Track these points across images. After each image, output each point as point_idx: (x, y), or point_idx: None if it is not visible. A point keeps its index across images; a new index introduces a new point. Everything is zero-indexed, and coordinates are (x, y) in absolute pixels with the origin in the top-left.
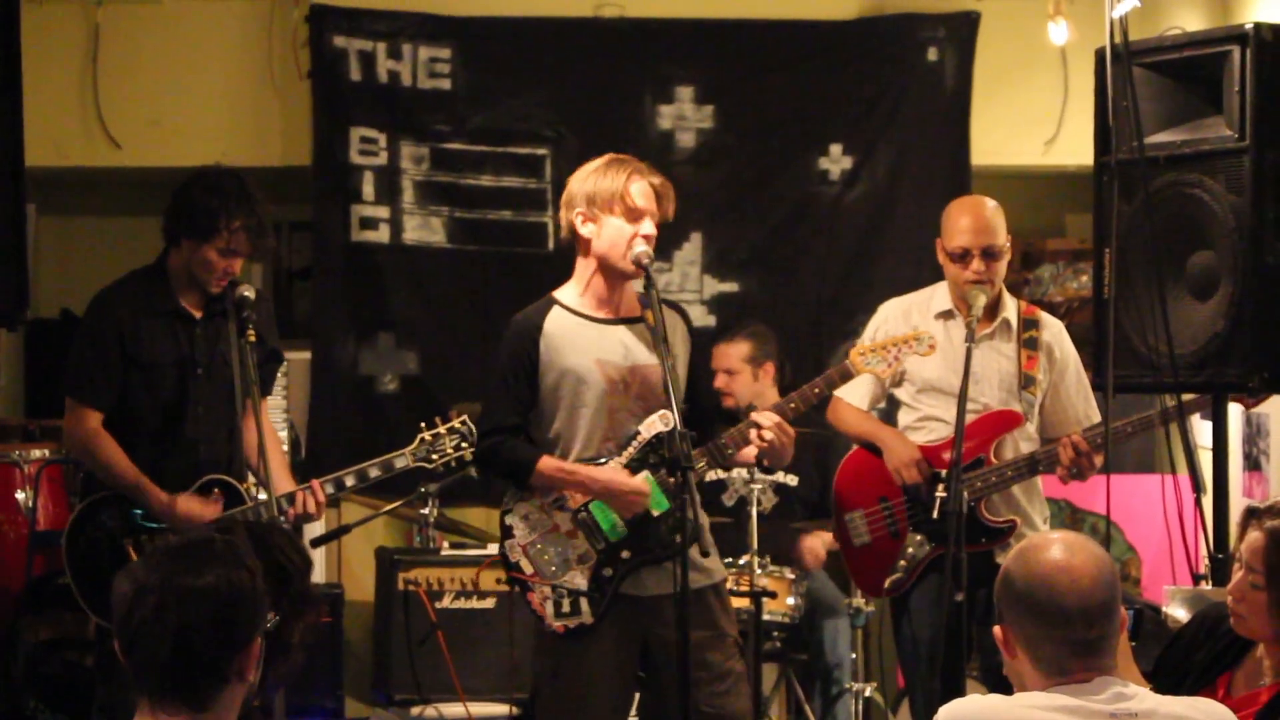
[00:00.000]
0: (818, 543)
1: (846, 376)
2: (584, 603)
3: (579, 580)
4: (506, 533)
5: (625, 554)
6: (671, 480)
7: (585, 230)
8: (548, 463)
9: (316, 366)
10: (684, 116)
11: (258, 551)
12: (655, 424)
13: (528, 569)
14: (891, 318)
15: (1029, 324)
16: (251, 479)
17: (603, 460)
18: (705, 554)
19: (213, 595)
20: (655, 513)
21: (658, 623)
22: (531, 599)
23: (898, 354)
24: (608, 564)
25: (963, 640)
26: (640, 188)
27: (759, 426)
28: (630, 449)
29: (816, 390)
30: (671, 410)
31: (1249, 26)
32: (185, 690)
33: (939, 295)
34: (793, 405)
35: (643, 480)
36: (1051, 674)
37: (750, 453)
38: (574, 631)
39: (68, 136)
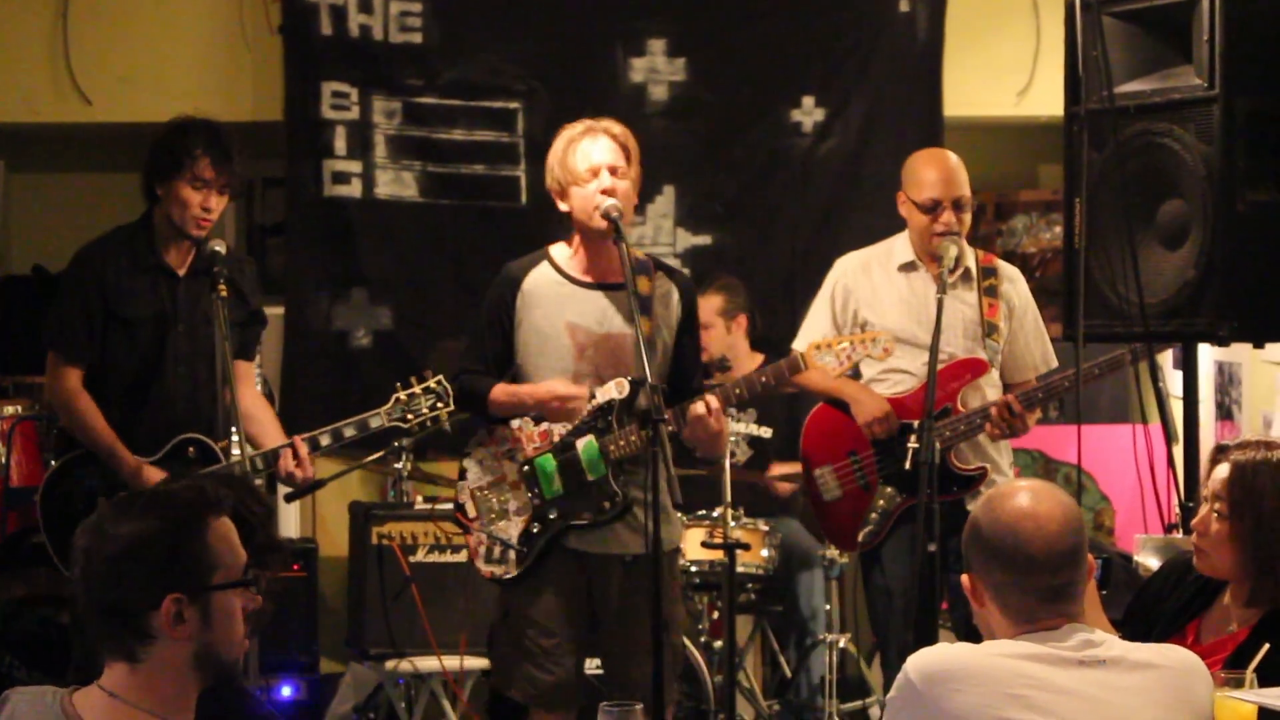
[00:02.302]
0: (786, 484)
1: (796, 370)
2: (510, 554)
3: (511, 531)
4: (461, 475)
5: (553, 514)
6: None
7: (563, 205)
8: (498, 389)
9: (289, 322)
10: (656, 69)
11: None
12: (610, 390)
13: (471, 512)
14: (849, 271)
15: (987, 272)
16: (237, 438)
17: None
18: (677, 505)
19: (119, 545)
20: (590, 477)
21: (601, 583)
22: (468, 541)
23: (851, 353)
24: (538, 520)
25: (935, 590)
26: (586, 146)
27: (706, 405)
28: (582, 412)
29: (763, 380)
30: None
31: None
32: (111, 642)
33: (900, 247)
34: (738, 391)
35: (570, 386)
36: (1019, 621)
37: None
38: (503, 580)
39: (38, 92)
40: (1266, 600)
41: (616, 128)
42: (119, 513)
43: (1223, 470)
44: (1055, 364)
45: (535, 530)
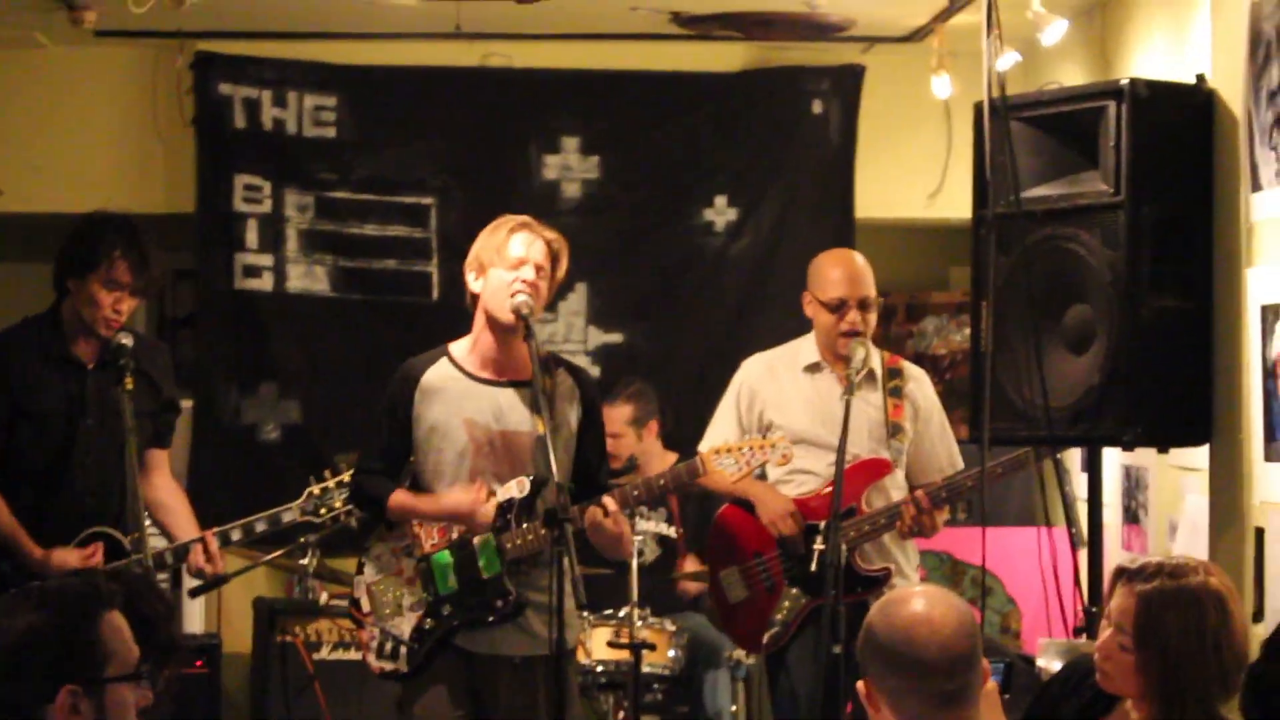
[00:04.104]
0: (693, 584)
1: (695, 474)
2: (402, 650)
3: (404, 627)
4: (359, 569)
5: (447, 610)
6: (527, 538)
7: (475, 285)
8: (396, 496)
9: (198, 416)
10: (569, 167)
11: (124, 598)
12: (511, 488)
13: (365, 607)
14: (755, 373)
15: (893, 373)
16: (143, 533)
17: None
18: (581, 605)
19: (10, 639)
20: (485, 575)
21: (490, 685)
22: (361, 636)
23: (750, 458)
24: (431, 616)
25: (840, 693)
26: (523, 238)
27: (601, 508)
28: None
29: (662, 483)
30: (544, 474)
31: (1124, 82)
32: None
33: (805, 348)
34: (637, 494)
35: (473, 498)
36: None
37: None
38: (394, 675)
39: None
40: None
41: (552, 234)
42: (10, 607)
43: (1128, 602)
44: (961, 465)
45: (427, 626)
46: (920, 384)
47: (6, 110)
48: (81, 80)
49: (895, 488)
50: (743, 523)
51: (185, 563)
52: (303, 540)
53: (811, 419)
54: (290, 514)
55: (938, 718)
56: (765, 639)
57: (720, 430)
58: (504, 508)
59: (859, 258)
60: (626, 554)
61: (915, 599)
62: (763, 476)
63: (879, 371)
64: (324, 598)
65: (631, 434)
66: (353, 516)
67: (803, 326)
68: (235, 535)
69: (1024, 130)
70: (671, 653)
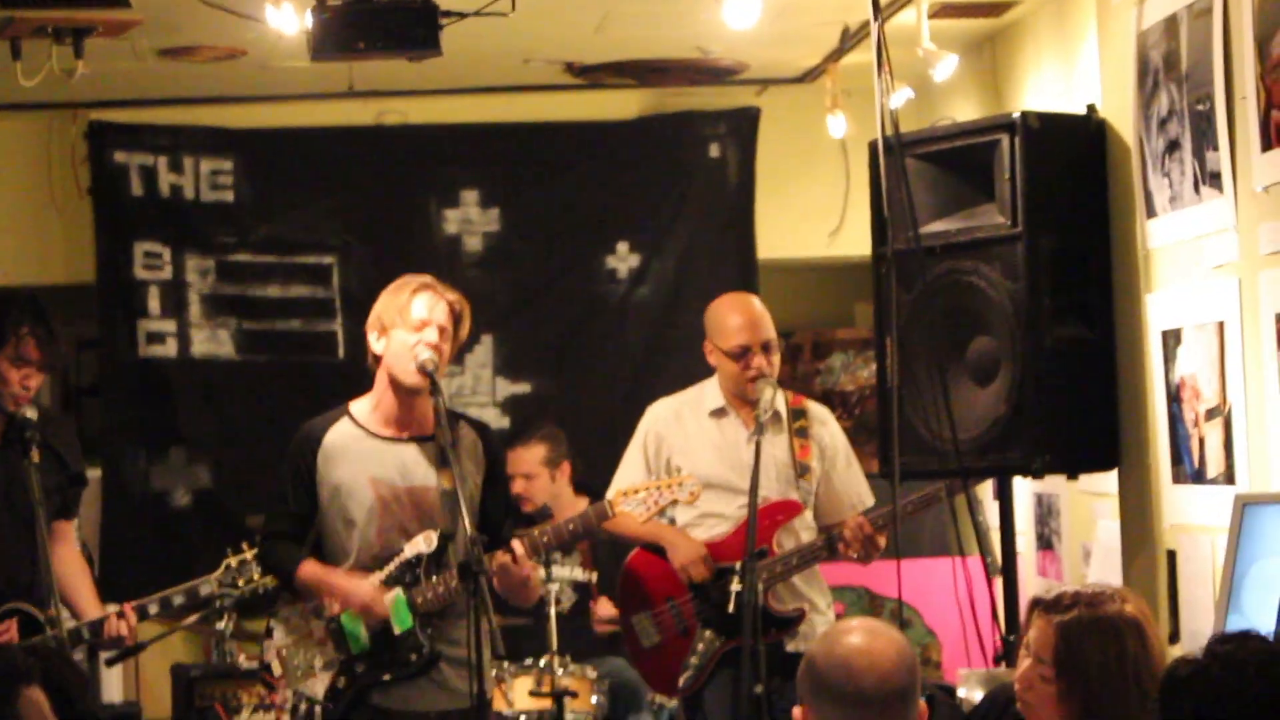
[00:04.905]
0: (605, 609)
1: (603, 517)
2: (316, 710)
3: (318, 688)
4: (268, 633)
5: (360, 668)
6: (438, 591)
7: (377, 346)
8: (305, 569)
9: (107, 484)
10: (470, 220)
11: (41, 673)
12: (418, 543)
13: (277, 670)
14: (660, 418)
15: (797, 414)
16: (55, 605)
17: (370, 573)
18: (499, 656)
19: None
20: (397, 630)
21: None
22: (274, 699)
23: (658, 498)
24: (344, 674)
25: None
26: (426, 300)
27: (510, 553)
28: (390, 566)
29: (570, 528)
30: (450, 528)
31: (1016, 115)
32: None
33: (709, 393)
34: (545, 539)
35: (376, 593)
36: None
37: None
38: None
39: None
40: None
41: (454, 295)
42: None
43: (1046, 634)
44: (871, 502)
45: (341, 685)
46: (825, 423)
47: None
48: None
49: (805, 528)
50: (653, 567)
51: (101, 634)
52: (218, 604)
53: (719, 463)
54: (208, 587)
55: None
56: (681, 682)
57: (627, 475)
58: (411, 562)
59: (756, 301)
60: (532, 599)
61: (856, 632)
62: (672, 521)
63: (784, 413)
64: (242, 660)
65: (545, 474)
66: (270, 586)
67: (709, 371)
68: (153, 609)
69: (920, 166)
70: (594, 699)
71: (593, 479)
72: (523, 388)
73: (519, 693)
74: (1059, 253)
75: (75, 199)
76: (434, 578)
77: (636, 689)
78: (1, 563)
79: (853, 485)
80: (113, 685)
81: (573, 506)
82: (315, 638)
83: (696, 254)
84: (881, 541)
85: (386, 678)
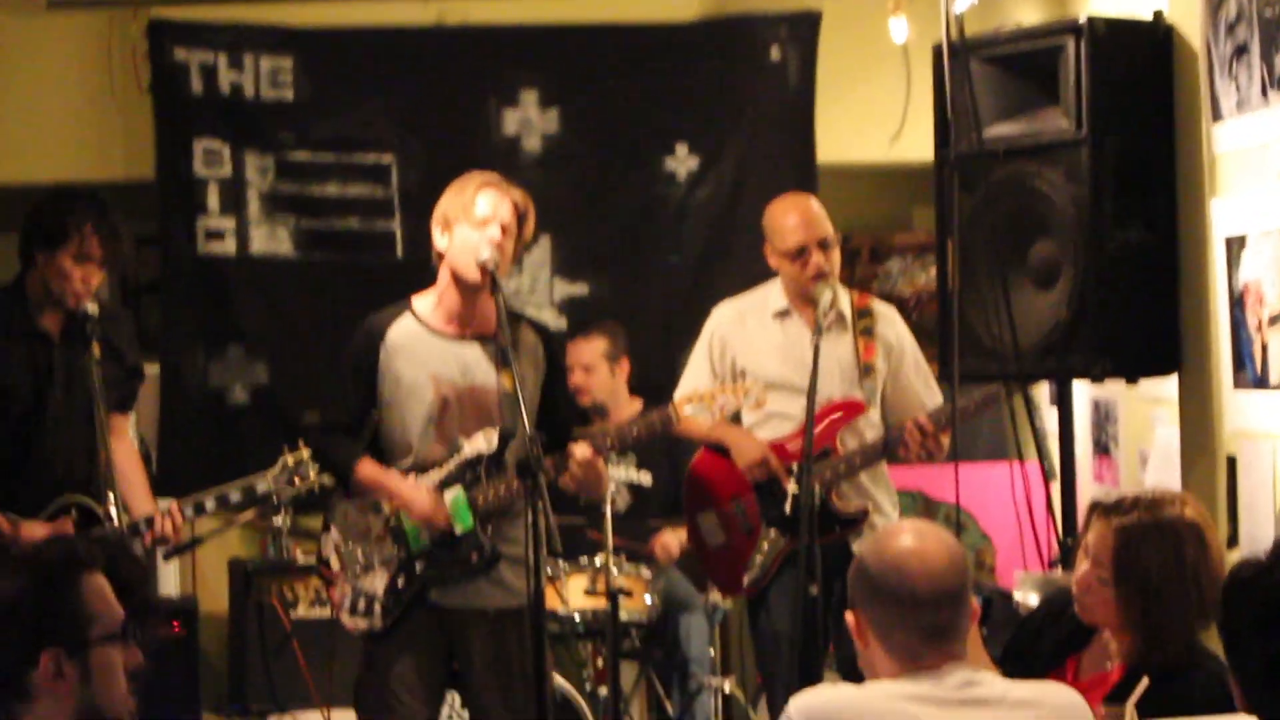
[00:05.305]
0: (671, 539)
1: (667, 422)
2: (376, 606)
3: (376, 585)
4: (326, 528)
5: (419, 566)
6: (498, 491)
7: (440, 242)
8: (363, 469)
9: (166, 380)
10: (529, 120)
11: (103, 562)
12: (479, 442)
13: (335, 565)
14: (725, 321)
15: (863, 313)
16: (112, 499)
17: (429, 471)
18: (557, 553)
19: None
20: (458, 530)
21: (464, 638)
22: (332, 594)
23: (722, 405)
24: (403, 573)
25: (820, 633)
26: (490, 197)
27: (569, 458)
28: (449, 464)
29: (635, 432)
30: (511, 427)
31: (1082, 19)
32: None
33: (773, 295)
34: (610, 442)
35: (435, 506)
36: (903, 660)
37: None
38: (369, 634)
39: None
40: (1149, 657)
41: (518, 193)
42: None
43: (1105, 536)
44: (940, 399)
45: (400, 584)
46: (891, 322)
47: None
48: (36, 51)
49: (870, 427)
50: (718, 468)
51: (149, 531)
52: (275, 500)
53: (783, 364)
54: (265, 484)
55: (925, 652)
56: (745, 581)
57: (693, 379)
58: (472, 461)
59: (811, 201)
60: (602, 494)
61: (907, 533)
62: (738, 420)
63: (848, 313)
64: (299, 556)
65: (605, 368)
66: (325, 484)
67: (767, 273)
68: (209, 505)
69: (983, 70)
70: (648, 599)
71: (648, 381)
72: (580, 289)
73: (574, 591)
74: (1123, 157)
75: (135, 96)
76: (494, 477)
77: (690, 593)
78: (61, 456)
79: (920, 383)
80: (169, 579)
81: (628, 406)
82: (374, 534)
83: (756, 158)
84: (944, 441)
85: (446, 576)
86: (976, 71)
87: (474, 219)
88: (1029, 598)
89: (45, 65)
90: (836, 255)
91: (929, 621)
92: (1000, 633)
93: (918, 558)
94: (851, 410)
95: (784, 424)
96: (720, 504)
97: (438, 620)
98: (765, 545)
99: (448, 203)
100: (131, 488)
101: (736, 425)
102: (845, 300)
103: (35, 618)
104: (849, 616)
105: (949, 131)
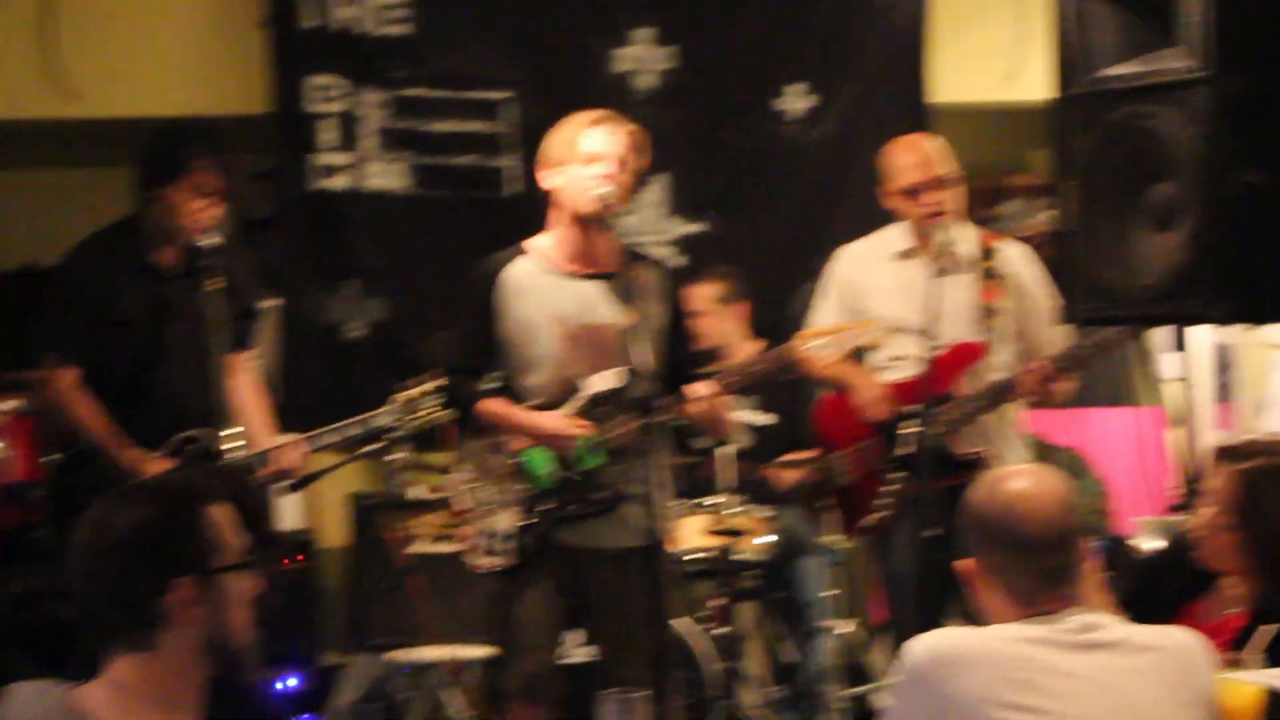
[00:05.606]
0: (787, 470)
1: (788, 359)
2: (503, 545)
3: (504, 523)
4: (451, 468)
5: (545, 505)
6: (622, 431)
7: (553, 181)
8: (487, 405)
9: (284, 316)
10: (643, 58)
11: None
12: (600, 381)
13: (460, 505)
14: (848, 262)
15: (987, 253)
16: (230, 433)
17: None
18: (676, 494)
19: (122, 534)
20: (583, 469)
21: (587, 577)
22: (459, 534)
23: (843, 342)
24: (529, 512)
25: (941, 575)
26: (602, 132)
27: (691, 397)
28: (571, 404)
29: (756, 369)
30: (634, 365)
31: None
32: (121, 632)
33: (896, 236)
34: (731, 381)
35: (564, 422)
36: (1021, 604)
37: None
38: (496, 572)
39: (24, 89)
40: (1273, 602)
41: (632, 128)
42: (115, 505)
43: (1228, 480)
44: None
45: (526, 522)
46: (1017, 261)
47: (80, 16)
48: None
49: (993, 371)
50: (845, 408)
51: (270, 465)
52: (395, 434)
53: (904, 305)
54: (384, 419)
55: (1042, 595)
56: (870, 522)
57: (818, 319)
58: (595, 400)
59: (926, 139)
60: (726, 433)
61: (1016, 476)
62: (861, 362)
63: (971, 253)
64: (417, 491)
65: (718, 312)
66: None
67: (879, 213)
68: (329, 439)
69: (1101, 8)
70: (766, 539)
71: (765, 320)
72: (695, 227)
73: (692, 531)
74: (1245, 97)
75: (250, 31)
76: (616, 417)
77: (807, 534)
78: (179, 390)
79: (1044, 328)
80: (290, 513)
81: (746, 347)
82: (499, 473)
83: (869, 97)
84: (1061, 387)
85: (571, 515)
86: (1093, 9)
87: (586, 155)
88: (1148, 542)
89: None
90: (956, 194)
91: (1043, 564)
92: (1121, 577)
93: (1027, 501)
94: (969, 353)
95: (907, 367)
96: (846, 444)
97: (562, 559)
98: (888, 487)
99: (558, 141)
100: (253, 422)
101: (858, 366)
102: (969, 240)
103: (164, 547)
104: (964, 563)
105: (1066, 71)
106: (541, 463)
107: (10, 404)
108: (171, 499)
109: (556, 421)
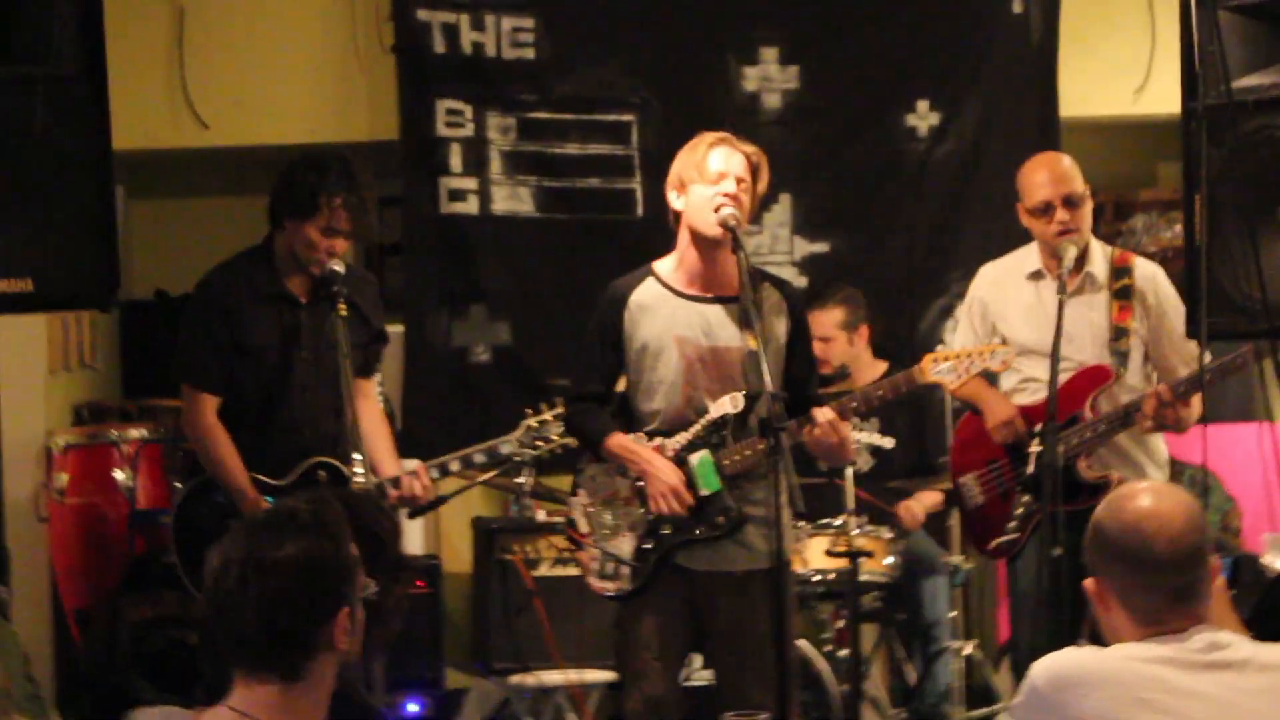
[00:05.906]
0: (916, 504)
1: (913, 383)
2: (624, 569)
3: (625, 547)
4: (573, 491)
5: (667, 529)
6: (744, 454)
7: (677, 204)
8: (614, 440)
9: (410, 340)
10: (769, 78)
11: (350, 520)
12: (725, 404)
13: (583, 528)
14: (983, 283)
15: (1120, 272)
16: (358, 459)
17: (675, 434)
18: (799, 513)
19: (293, 566)
20: (705, 492)
21: (710, 600)
22: (581, 558)
23: (969, 365)
24: (651, 536)
25: (1067, 596)
26: (722, 153)
27: (813, 422)
28: (696, 427)
29: (880, 393)
30: (757, 388)
31: None
32: (274, 660)
33: (1029, 257)
34: (854, 405)
35: (678, 482)
36: (1146, 624)
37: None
38: (617, 596)
39: (155, 119)
40: None
41: (750, 148)
42: (274, 535)
43: None
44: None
45: (648, 546)
46: (1151, 279)
47: (209, 45)
48: (282, 11)
49: (1126, 393)
50: (979, 430)
51: (395, 491)
52: (518, 459)
53: (1035, 327)
54: (508, 446)
55: (1169, 614)
56: (996, 544)
57: (959, 341)
58: (717, 424)
59: (1062, 158)
60: (847, 459)
61: (1142, 494)
62: (995, 384)
63: (1103, 273)
64: (541, 515)
65: (843, 338)
66: (568, 447)
67: (1008, 230)
68: (454, 466)
69: (1232, 19)
70: (888, 560)
71: (889, 339)
72: (821, 247)
73: (814, 552)
74: None
75: (379, 56)
76: (739, 440)
77: (932, 554)
78: (308, 416)
79: (1182, 344)
80: (414, 538)
81: (871, 369)
82: (620, 496)
83: (998, 112)
84: (1185, 413)
85: (692, 539)
86: (1224, 20)
87: (708, 176)
88: (1277, 560)
89: (291, 27)
90: (1086, 213)
91: (1169, 583)
92: (1248, 594)
93: (1154, 519)
94: (1100, 377)
95: (1040, 389)
96: (979, 465)
97: (684, 582)
98: (1019, 509)
99: (681, 163)
100: (377, 449)
101: (989, 387)
102: (1101, 259)
103: (332, 579)
104: (1088, 584)
105: (1196, 84)
106: (707, 471)
107: (139, 431)
108: (334, 529)
109: (671, 479)
